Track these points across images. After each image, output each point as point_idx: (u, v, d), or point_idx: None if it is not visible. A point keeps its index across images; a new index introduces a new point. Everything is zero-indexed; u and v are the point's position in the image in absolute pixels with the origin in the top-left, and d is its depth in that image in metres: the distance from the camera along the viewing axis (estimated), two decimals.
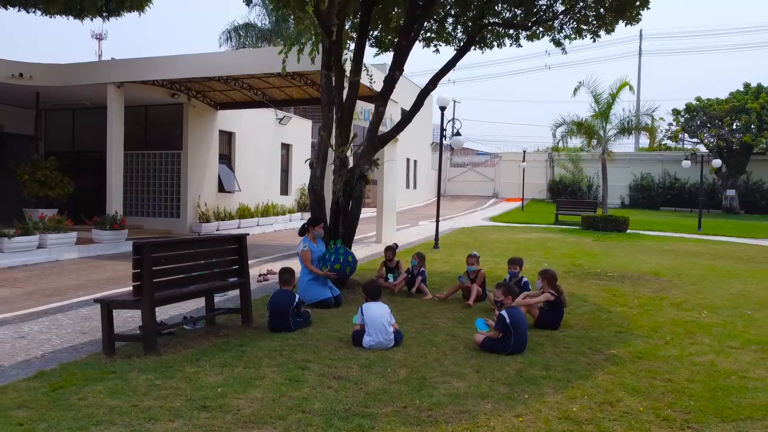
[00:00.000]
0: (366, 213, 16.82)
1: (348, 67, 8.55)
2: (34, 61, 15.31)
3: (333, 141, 7.80)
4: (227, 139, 19.32)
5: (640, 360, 5.17)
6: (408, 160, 33.10)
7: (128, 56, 20.31)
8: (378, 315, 5.19)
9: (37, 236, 11.99)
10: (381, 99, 7.94)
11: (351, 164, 8.33)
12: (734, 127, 31.43)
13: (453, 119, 15.83)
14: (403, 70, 7.97)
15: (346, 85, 8.40)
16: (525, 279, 7.22)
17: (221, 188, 18.67)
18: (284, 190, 23.11)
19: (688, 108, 33.38)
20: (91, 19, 15.55)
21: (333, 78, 7.72)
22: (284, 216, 21.68)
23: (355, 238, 9.34)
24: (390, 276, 8.32)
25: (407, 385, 4.37)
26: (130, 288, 9.38)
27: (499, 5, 8.94)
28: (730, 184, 32.71)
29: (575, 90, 20.02)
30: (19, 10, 15.89)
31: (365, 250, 13.77)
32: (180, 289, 5.40)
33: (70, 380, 4.40)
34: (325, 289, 7.14)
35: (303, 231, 7.45)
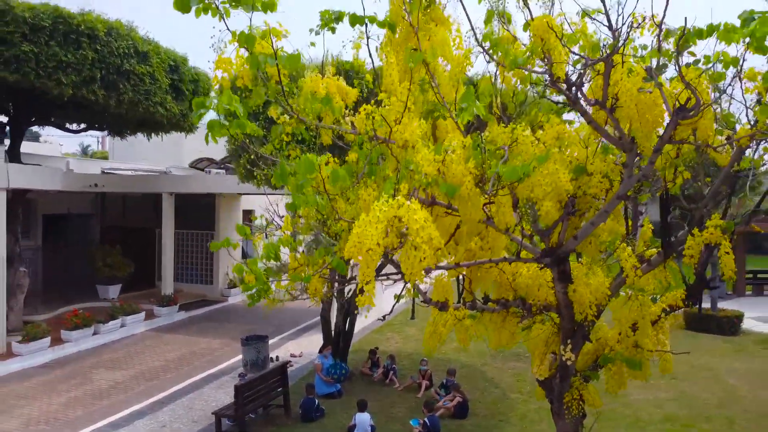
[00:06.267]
0: None
1: None
2: None
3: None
4: (247, 215, 23.89)
5: None
6: None
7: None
8: (362, 421, 9.74)
9: (120, 319, 16.56)
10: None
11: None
12: None
13: None
14: None
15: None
16: (455, 382, 11.77)
17: (244, 256, 23.25)
18: None
19: None
20: (148, 139, 20.08)
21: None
22: None
23: None
24: (374, 369, 12.92)
25: None
26: (201, 366, 14.07)
27: None
28: None
29: None
30: (86, 129, 20.24)
31: (359, 321, 18.20)
32: (254, 403, 9.99)
33: None
34: (331, 387, 11.76)
35: (320, 350, 12.13)
